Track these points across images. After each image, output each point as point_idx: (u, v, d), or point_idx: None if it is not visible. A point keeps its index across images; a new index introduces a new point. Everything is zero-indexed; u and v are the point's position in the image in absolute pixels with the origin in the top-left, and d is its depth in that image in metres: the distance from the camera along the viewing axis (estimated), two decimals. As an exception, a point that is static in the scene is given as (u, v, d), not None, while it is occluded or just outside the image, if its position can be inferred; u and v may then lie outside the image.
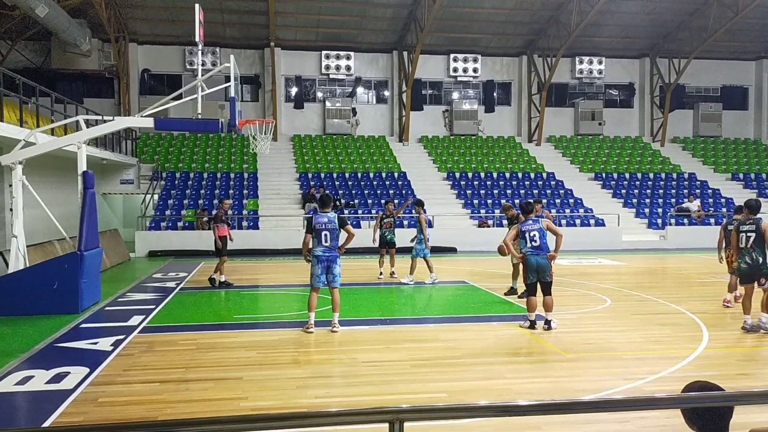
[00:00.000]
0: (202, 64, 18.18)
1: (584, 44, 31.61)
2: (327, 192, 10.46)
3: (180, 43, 29.38)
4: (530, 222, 9.69)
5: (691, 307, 11.41)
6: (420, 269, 14.92)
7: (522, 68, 32.54)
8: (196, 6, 13.12)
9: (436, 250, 22.85)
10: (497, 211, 25.28)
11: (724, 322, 10.19)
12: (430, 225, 22.87)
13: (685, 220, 26.00)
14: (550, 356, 8.15)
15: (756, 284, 9.27)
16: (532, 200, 11.42)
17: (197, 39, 13.02)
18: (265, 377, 7.24)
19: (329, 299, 9.93)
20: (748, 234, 9.32)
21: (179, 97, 14.52)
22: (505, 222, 16.28)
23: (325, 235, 9.48)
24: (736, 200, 27.75)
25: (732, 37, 31.15)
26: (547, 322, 9.45)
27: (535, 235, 9.51)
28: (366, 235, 22.93)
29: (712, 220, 26.30)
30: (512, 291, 12.80)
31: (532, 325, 9.52)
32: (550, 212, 22.29)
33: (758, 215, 9.47)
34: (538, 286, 9.63)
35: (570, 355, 8.17)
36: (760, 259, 9.22)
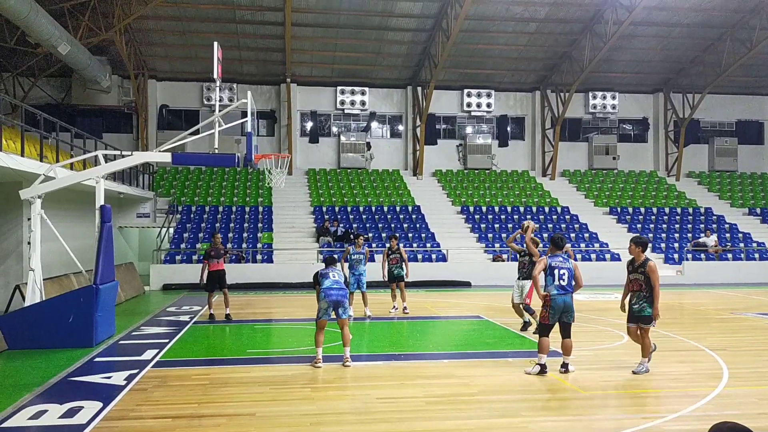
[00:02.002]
0: (220, 100, 18.40)
1: (597, 79, 31.77)
2: (333, 256, 10.54)
3: (198, 79, 29.92)
4: (561, 259, 9.03)
5: (710, 343, 11.22)
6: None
7: (535, 103, 32.72)
8: (215, 44, 13.38)
9: (451, 285, 22.79)
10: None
11: (744, 360, 10.00)
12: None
13: (702, 255, 25.72)
14: (567, 394, 8.02)
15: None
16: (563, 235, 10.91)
17: (215, 76, 13.23)
18: (278, 413, 7.17)
19: (338, 332, 9.88)
20: (561, 271, 9.00)
21: (197, 132, 14.73)
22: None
23: (333, 275, 9.71)
24: (754, 235, 27.53)
25: (746, 71, 31.18)
26: (564, 365, 8.94)
27: (564, 274, 8.87)
28: (378, 268, 22.89)
29: (730, 255, 26.02)
30: (526, 326, 12.61)
31: (543, 370, 8.84)
32: (574, 247, 22.21)
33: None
34: (557, 327, 9.06)
35: (587, 392, 8.04)
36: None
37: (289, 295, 20.09)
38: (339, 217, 26.53)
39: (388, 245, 15.95)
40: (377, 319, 14.42)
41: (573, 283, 8.98)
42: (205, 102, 30.22)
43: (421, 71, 30.33)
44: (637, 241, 9.14)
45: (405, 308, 15.27)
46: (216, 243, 14.64)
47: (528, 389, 8.23)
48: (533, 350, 10.46)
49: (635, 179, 32.64)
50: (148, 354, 10.44)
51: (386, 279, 15.59)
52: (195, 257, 23.22)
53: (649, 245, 9.06)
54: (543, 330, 9.06)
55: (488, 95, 32.07)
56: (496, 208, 28.70)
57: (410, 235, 25.53)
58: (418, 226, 26.46)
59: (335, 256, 10.65)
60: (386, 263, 15.45)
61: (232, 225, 25.69)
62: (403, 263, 15.36)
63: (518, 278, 12.56)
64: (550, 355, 9.43)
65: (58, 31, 20.87)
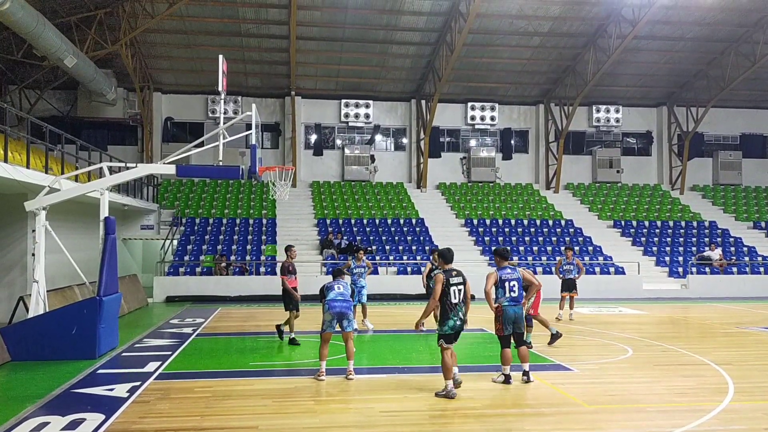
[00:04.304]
0: (224, 113, 18.42)
1: (601, 93, 31.85)
2: (340, 268, 10.52)
3: (203, 92, 30.10)
4: (509, 270, 9.24)
5: (715, 358, 11.15)
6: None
7: (539, 116, 32.78)
8: (220, 57, 13.45)
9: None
10: (516, 259, 25.12)
11: (750, 374, 9.93)
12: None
13: (707, 269, 25.62)
14: (571, 407, 7.97)
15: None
16: (509, 247, 11.06)
17: (220, 88, 13.29)
18: (281, 426, 7.14)
19: (342, 345, 9.86)
20: (459, 287, 8.55)
21: (201, 144, 14.75)
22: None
23: (338, 287, 9.72)
24: (759, 249, 27.43)
25: (750, 85, 31.22)
26: (526, 374, 9.08)
27: (514, 285, 9.09)
28: (382, 281, 22.90)
29: (735, 269, 25.91)
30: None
31: (507, 380, 9.01)
32: (581, 260, 22.17)
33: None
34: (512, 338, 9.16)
35: (592, 406, 7.99)
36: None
37: (292, 308, 20.03)
38: (343, 229, 26.53)
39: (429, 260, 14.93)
40: (380, 332, 14.38)
41: (523, 293, 9.21)
42: (210, 114, 30.36)
43: (425, 84, 30.44)
44: (438, 251, 8.81)
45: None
46: (293, 257, 13.24)
47: (532, 403, 8.19)
48: (537, 364, 10.42)
49: (639, 192, 32.60)
50: (151, 366, 10.42)
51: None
52: (198, 269, 23.24)
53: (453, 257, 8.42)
54: (502, 342, 9.17)
55: (492, 108, 32.16)
56: (500, 221, 28.67)
57: (414, 247, 25.50)
58: (422, 238, 26.43)
59: (343, 268, 10.63)
60: (426, 279, 14.36)
61: (235, 237, 25.70)
62: None
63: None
64: (556, 368, 9.42)
65: (65, 44, 21.02)
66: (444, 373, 8.38)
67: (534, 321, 12.15)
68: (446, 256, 8.82)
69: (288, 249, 13.22)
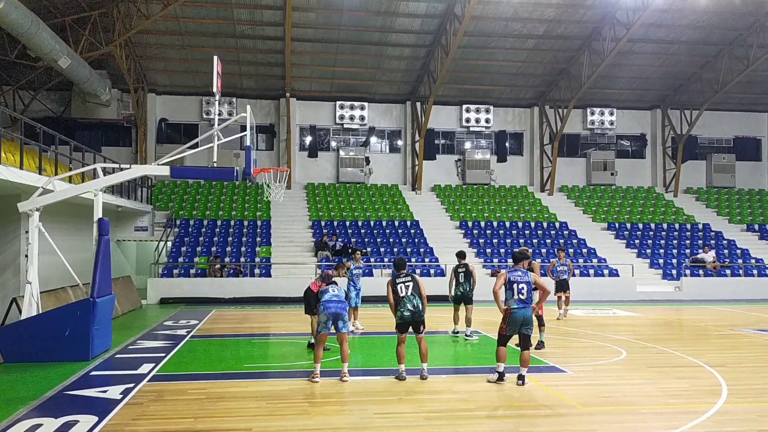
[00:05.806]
0: (219, 114, 18.51)
1: (596, 96, 31.93)
2: (328, 272, 10.80)
3: (197, 93, 30.02)
4: (519, 273, 9.29)
5: (709, 360, 11.19)
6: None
7: (534, 119, 32.84)
8: (215, 58, 13.42)
9: (449, 299, 22.66)
10: (510, 261, 25.13)
11: (744, 376, 9.96)
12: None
13: (701, 271, 25.70)
14: (566, 409, 7.97)
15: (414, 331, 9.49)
16: (528, 249, 11.39)
17: (215, 89, 13.25)
18: (275, 428, 7.13)
19: (337, 347, 9.86)
20: (406, 283, 9.46)
21: (196, 145, 14.72)
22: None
23: (333, 289, 9.79)
24: (752, 251, 27.53)
25: (744, 88, 31.36)
26: (522, 378, 9.10)
27: (523, 288, 9.10)
28: (377, 283, 22.84)
29: (728, 272, 26.00)
30: (540, 345, 12.33)
31: (501, 377, 9.15)
32: (573, 262, 22.26)
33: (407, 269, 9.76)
34: (516, 338, 9.24)
35: (586, 408, 8.00)
36: (420, 306, 9.42)
37: (286, 310, 20.01)
38: (337, 231, 26.51)
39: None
40: (376, 334, 14.37)
41: (532, 296, 9.28)
42: (205, 116, 30.30)
43: (420, 86, 30.47)
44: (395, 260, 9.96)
45: (470, 334, 14.03)
46: (349, 267, 12.68)
47: (526, 405, 8.19)
48: (531, 365, 10.41)
49: (633, 195, 32.70)
50: (145, 368, 10.38)
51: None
52: (193, 271, 23.17)
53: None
54: (501, 340, 9.34)
55: (487, 111, 32.19)
56: (495, 223, 28.70)
57: (409, 249, 25.51)
58: (416, 240, 26.43)
59: (341, 271, 10.86)
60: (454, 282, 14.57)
61: (230, 239, 25.65)
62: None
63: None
64: (550, 370, 9.44)
65: (59, 45, 20.95)
66: (397, 359, 9.50)
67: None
68: (396, 264, 9.80)
69: (340, 266, 13.10)
